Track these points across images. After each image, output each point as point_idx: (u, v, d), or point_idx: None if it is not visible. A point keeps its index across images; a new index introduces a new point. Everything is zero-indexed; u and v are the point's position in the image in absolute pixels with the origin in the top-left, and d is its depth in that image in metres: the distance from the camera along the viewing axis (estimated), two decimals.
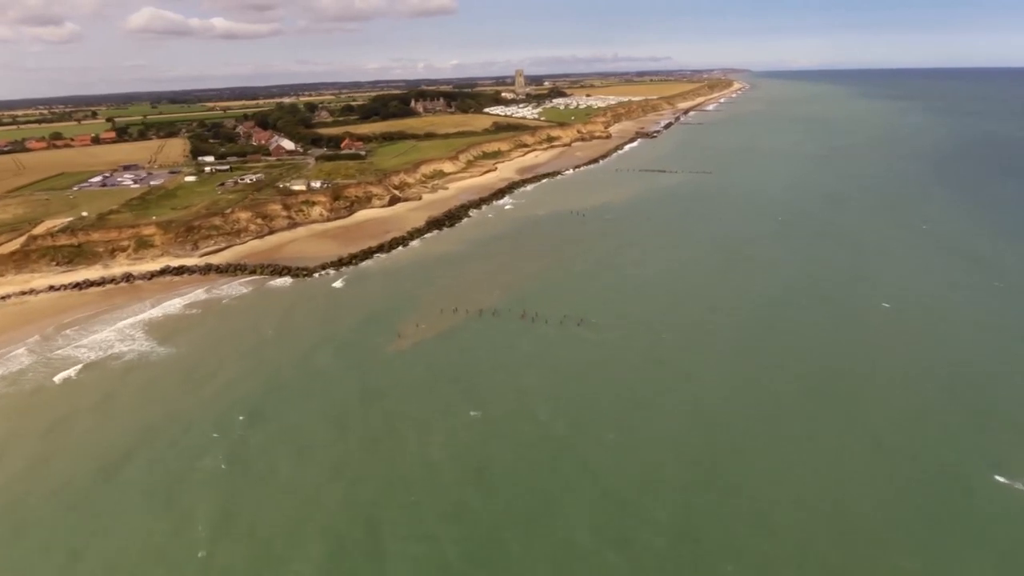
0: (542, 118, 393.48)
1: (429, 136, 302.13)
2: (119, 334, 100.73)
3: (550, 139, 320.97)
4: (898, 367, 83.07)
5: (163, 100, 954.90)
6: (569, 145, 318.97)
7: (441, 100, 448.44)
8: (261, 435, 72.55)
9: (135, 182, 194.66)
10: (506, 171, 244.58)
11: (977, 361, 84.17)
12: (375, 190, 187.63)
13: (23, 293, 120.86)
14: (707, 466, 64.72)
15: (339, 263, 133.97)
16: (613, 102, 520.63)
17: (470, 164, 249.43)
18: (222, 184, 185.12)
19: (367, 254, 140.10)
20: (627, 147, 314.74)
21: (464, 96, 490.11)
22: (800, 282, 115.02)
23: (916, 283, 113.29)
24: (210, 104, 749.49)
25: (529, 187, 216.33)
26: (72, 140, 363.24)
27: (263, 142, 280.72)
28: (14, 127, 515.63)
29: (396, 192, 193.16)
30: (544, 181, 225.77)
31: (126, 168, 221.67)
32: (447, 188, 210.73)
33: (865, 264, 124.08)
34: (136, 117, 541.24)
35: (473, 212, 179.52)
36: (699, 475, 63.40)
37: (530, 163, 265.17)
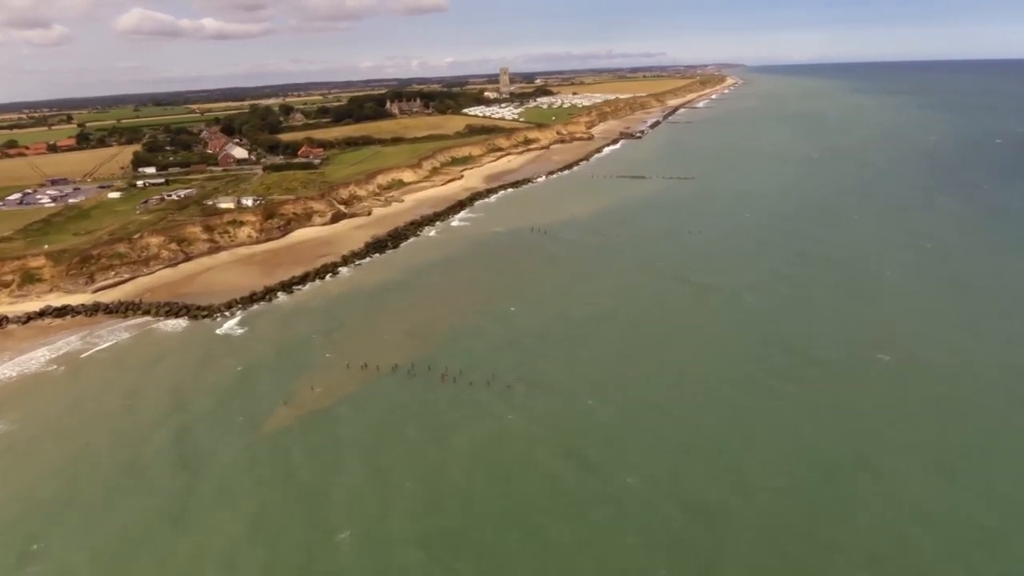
0: (521, 119, 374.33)
1: (396, 141, 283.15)
2: None
3: (527, 141, 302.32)
4: (899, 471, 64.68)
5: (149, 103, 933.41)
6: (547, 148, 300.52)
7: (418, 101, 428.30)
8: None
9: (53, 200, 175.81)
10: (473, 179, 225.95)
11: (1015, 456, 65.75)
12: (316, 206, 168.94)
13: None
14: None
15: (249, 299, 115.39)
16: (599, 100, 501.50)
17: (434, 172, 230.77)
18: (145, 202, 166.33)
19: (286, 286, 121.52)
20: (608, 149, 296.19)
21: (444, 96, 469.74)
22: (777, 328, 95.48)
23: (923, 324, 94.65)
24: (195, 106, 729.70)
25: (493, 198, 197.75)
26: (27, 148, 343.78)
27: (216, 150, 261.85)
28: None
29: (342, 207, 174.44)
30: (511, 191, 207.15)
31: (53, 183, 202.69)
32: (403, 200, 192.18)
33: (858, 297, 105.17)
34: (110, 122, 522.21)
35: (424, 230, 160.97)
36: None
37: (501, 169, 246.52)
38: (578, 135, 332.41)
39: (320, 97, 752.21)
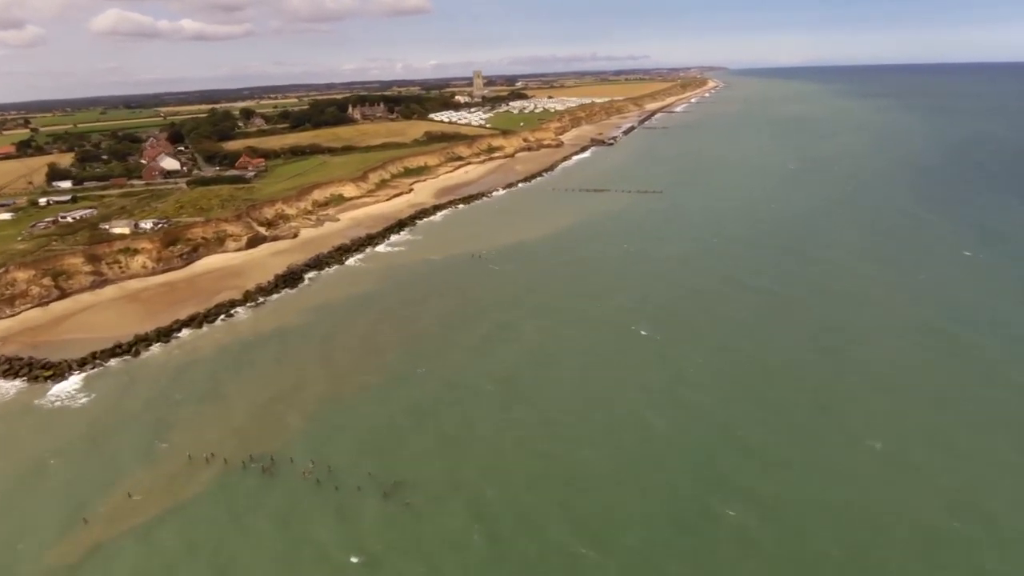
0: (488, 124, 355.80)
1: (348, 149, 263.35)
2: None
3: (490, 149, 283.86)
4: None
5: (120, 105, 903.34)
6: (512, 156, 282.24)
7: (382, 106, 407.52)
8: None
9: None
10: (423, 193, 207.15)
11: None
12: (231, 228, 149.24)
13: None
14: None
15: (111, 352, 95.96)
16: (574, 104, 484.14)
17: (381, 185, 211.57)
18: (33, 225, 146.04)
19: (163, 334, 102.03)
20: (576, 158, 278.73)
21: (409, 100, 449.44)
22: (738, 407, 75.79)
23: (923, 402, 76.74)
24: (163, 109, 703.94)
25: (439, 215, 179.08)
26: None
27: (150, 160, 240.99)
28: None
29: (262, 230, 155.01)
30: (461, 207, 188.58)
31: None
32: (338, 220, 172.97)
33: (840, 365, 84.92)
34: (65, 127, 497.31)
35: (351, 257, 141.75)
36: None
37: (456, 181, 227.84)
38: (546, 142, 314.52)
39: (296, 100, 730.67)
